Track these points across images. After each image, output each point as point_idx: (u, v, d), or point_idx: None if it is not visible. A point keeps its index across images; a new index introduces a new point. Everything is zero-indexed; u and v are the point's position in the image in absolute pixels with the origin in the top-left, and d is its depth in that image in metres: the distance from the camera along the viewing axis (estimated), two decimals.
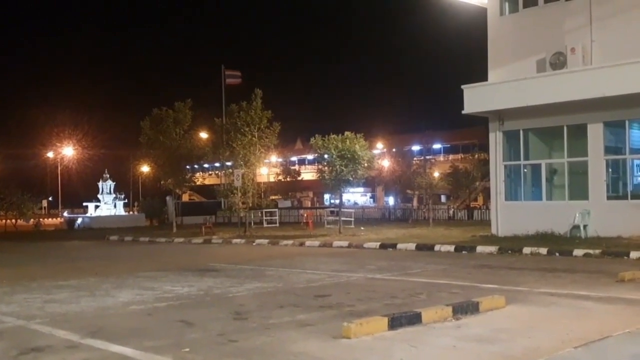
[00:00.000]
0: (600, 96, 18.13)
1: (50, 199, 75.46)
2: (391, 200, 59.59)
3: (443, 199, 60.26)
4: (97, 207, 46.21)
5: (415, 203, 51.76)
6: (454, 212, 42.04)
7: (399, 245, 19.30)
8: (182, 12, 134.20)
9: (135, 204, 63.22)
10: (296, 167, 75.60)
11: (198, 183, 41.00)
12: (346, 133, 25.30)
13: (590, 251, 15.43)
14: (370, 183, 56.37)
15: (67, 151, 70.70)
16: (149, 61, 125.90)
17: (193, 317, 8.42)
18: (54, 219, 56.93)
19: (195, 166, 41.01)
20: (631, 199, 18.94)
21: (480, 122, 24.64)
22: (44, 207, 75.07)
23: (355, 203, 69.90)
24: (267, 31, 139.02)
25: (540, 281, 11.18)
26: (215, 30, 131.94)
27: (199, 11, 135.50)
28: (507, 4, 21.53)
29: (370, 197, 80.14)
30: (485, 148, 33.17)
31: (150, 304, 9.65)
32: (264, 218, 34.84)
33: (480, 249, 17.46)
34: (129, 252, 21.62)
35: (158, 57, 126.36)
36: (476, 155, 51.25)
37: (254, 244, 23.15)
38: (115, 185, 47.02)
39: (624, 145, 19.31)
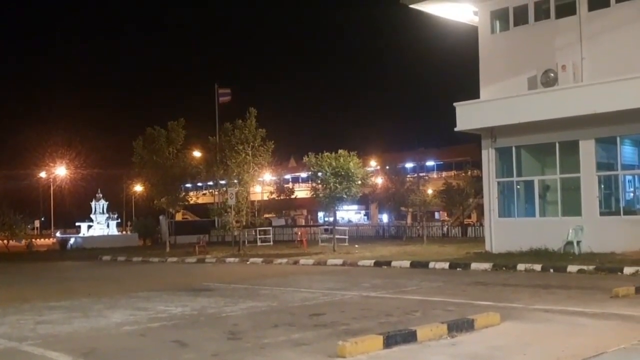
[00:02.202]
0: (591, 113, 18.28)
1: (42, 219, 75.07)
2: (385, 218, 59.56)
3: (437, 215, 60.29)
4: (89, 227, 45.99)
5: (409, 220, 51.69)
6: (448, 229, 42.06)
7: (394, 263, 19.27)
8: (174, 30, 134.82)
9: (128, 223, 62.95)
10: (290, 185, 75.55)
11: (191, 202, 40.75)
12: (340, 151, 25.35)
13: (584, 267, 15.46)
14: (364, 200, 56.33)
15: (60, 171, 70.48)
16: (141, 80, 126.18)
17: (187, 337, 8.37)
18: (47, 240, 56.56)
19: (189, 185, 40.93)
20: (624, 214, 19.02)
21: (473, 139, 24.77)
22: (37, 228, 74.74)
23: (349, 221, 69.83)
24: (260, 50, 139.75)
25: (534, 298, 11.17)
26: (207, 48, 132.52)
27: (191, 29, 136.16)
28: (497, 22, 21.75)
29: (364, 215, 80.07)
30: (478, 165, 33.25)
31: (144, 324, 9.58)
32: (258, 236, 34.76)
33: (474, 265, 17.45)
34: (122, 272, 21.48)
35: (151, 75, 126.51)
36: (469, 172, 51.38)
37: (247, 262, 23.06)
38: (108, 205, 46.83)
39: (615, 162, 19.42)
